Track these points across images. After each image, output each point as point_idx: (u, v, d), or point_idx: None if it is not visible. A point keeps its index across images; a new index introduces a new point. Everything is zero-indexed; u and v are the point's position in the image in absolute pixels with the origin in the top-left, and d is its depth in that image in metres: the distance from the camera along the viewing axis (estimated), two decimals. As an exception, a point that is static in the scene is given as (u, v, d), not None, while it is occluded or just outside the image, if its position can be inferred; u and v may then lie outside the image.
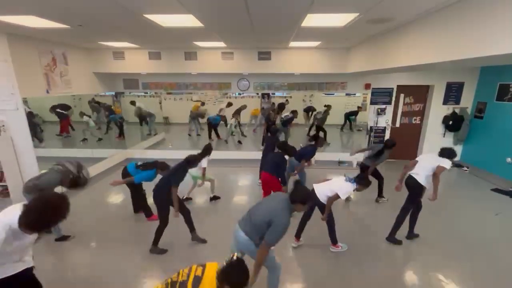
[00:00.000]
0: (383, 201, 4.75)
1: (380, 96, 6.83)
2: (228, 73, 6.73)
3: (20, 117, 4.34)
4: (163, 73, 6.97)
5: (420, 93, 6.83)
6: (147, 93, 8.43)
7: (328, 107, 8.27)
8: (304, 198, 2.20)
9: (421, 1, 2.75)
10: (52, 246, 3.50)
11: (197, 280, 1.52)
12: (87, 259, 3.28)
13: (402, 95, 6.84)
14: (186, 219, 3.47)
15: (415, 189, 3.36)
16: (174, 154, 5.65)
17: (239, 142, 8.57)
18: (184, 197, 4.69)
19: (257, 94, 8.45)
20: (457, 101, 6.65)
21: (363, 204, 4.74)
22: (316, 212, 3.34)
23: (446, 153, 3.36)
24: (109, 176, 6.00)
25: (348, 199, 4.74)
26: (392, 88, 6.77)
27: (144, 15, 3.18)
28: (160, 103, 10.07)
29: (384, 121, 6.96)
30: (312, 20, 3.41)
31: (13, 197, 4.29)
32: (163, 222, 3.26)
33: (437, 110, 6.75)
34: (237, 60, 6.37)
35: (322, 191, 3.20)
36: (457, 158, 6.74)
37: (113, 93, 7.96)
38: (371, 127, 6.99)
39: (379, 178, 4.73)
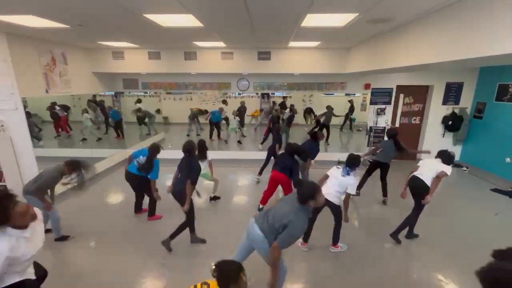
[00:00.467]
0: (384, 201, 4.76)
1: (380, 96, 6.84)
2: (228, 73, 6.73)
3: (19, 117, 4.32)
4: (163, 73, 6.97)
5: (419, 93, 6.84)
6: (146, 93, 8.44)
7: (329, 108, 8.30)
8: (312, 193, 2.16)
9: (420, 1, 2.75)
10: (52, 246, 3.49)
11: None
12: (87, 259, 3.27)
13: (401, 95, 6.85)
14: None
15: (422, 189, 3.35)
16: (174, 154, 5.64)
17: (239, 142, 8.57)
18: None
19: (257, 94, 8.47)
20: (457, 101, 6.66)
21: (363, 204, 4.74)
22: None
23: (446, 157, 3.35)
24: (109, 176, 6.00)
25: (358, 194, 4.78)
26: (392, 88, 6.78)
27: (144, 15, 3.18)
28: (159, 101, 10.09)
29: (384, 121, 6.96)
30: (312, 20, 3.41)
31: (13, 197, 4.28)
32: (192, 217, 3.35)
33: (437, 110, 6.76)
34: (236, 60, 6.37)
35: (331, 193, 3.19)
36: (456, 158, 6.83)
37: (113, 93, 7.95)
38: (370, 127, 7.00)
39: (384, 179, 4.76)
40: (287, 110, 8.69)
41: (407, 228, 3.62)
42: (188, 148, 3.26)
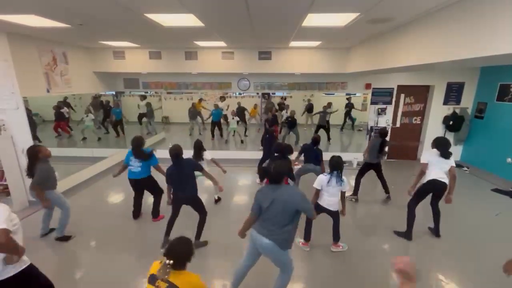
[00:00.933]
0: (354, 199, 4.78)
1: (381, 96, 6.83)
2: (229, 72, 6.73)
3: (20, 116, 4.34)
4: (164, 73, 6.98)
5: (420, 93, 6.83)
6: (147, 92, 8.45)
7: (324, 107, 8.31)
8: (285, 170, 2.29)
9: (421, 2, 2.75)
10: (52, 246, 3.50)
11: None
12: (87, 259, 3.27)
13: (402, 95, 6.84)
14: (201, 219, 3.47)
15: (444, 191, 3.43)
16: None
17: (242, 142, 8.58)
18: None
19: (257, 94, 8.46)
20: (458, 101, 6.65)
21: (363, 204, 4.74)
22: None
23: (448, 153, 3.35)
24: (110, 175, 6.00)
25: (356, 200, 4.76)
26: (393, 88, 6.78)
27: (144, 14, 3.18)
28: (160, 101, 10.09)
29: (385, 121, 6.95)
30: (313, 19, 3.41)
31: (13, 195, 4.30)
32: (206, 213, 3.44)
33: (438, 110, 6.75)
34: (237, 60, 6.37)
35: (335, 203, 3.20)
36: (457, 158, 6.82)
37: (113, 92, 7.96)
38: (371, 127, 6.99)
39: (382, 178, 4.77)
40: (283, 112, 8.69)
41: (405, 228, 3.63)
42: (175, 153, 3.15)
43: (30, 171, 3.21)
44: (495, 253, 3.37)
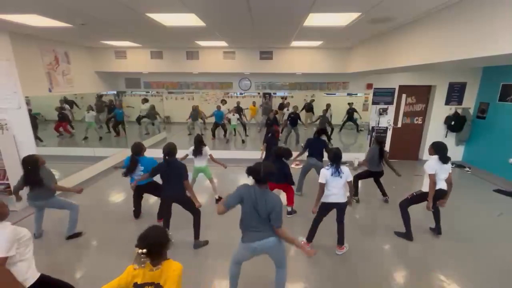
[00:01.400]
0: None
1: (382, 96, 6.82)
2: (230, 72, 6.73)
3: (22, 115, 4.36)
4: (165, 73, 6.99)
5: (422, 93, 6.81)
6: (148, 92, 8.46)
7: (324, 111, 8.30)
8: (270, 172, 2.17)
9: (422, 1, 2.74)
10: (52, 246, 3.51)
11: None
12: (87, 258, 3.28)
13: (404, 95, 6.82)
14: (196, 220, 3.45)
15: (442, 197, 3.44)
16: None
17: (243, 141, 8.58)
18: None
19: (259, 93, 8.46)
20: (460, 102, 6.63)
21: (363, 204, 4.73)
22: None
23: (446, 158, 3.32)
24: (111, 175, 6.02)
25: (357, 201, 4.75)
26: (394, 88, 6.76)
27: (146, 14, 3.19)
28: (161, 101, 10.09)
29: (386, 121, 6.94)
30: (314, 19, 3.41)
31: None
32: (199, 212, 3.41)
33: (439, 110, 6.73)
34: (238, 60, 6.37)
35: (341, 194, 3.18)
36: (459, 159, 6.80)
37: (115, 92, 7.98)
38: (372, 127, 6.98)
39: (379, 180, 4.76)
40: (285, 110, 8.68)
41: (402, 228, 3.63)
42: (167, 151, 3.19)
43: (33, 179, 3.23)
44: (496, 253, 3.36)
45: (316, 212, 3.32)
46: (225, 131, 8.87)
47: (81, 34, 4.49)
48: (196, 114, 9.03)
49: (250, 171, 2.19)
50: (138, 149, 3.79)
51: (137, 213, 4.13)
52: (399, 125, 7.01)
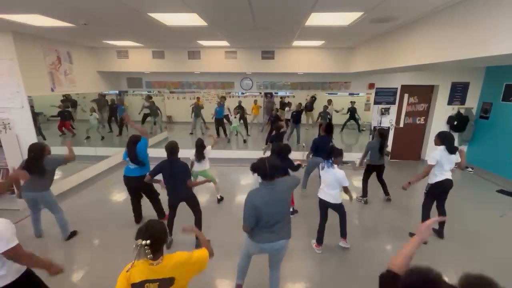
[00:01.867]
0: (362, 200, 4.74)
1: (384, 96, 6.79)
2: (232, 72, 6.73)
3: (25, 115, 4.38)
4: (167, 72, 7.00)
5: (424, 93, 6.78)
6: (150, 91, 8.48)
7: (328, 102, 8.26)
8: (277, 168, 2.13)
9: (425, 1, 2.72)
10: (53, 246, 3.52)
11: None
12: (88, 258, 3.29)
13: (406, 95, 6.79)
14: (197, 218, 3.46)
15: (450, 189, 3.44)
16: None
17: (244, 141, 8.59)
18: None
19: (260, 93, 8.46)
20: (462, 101, 6.59)
21: (367, 204, 4.71)
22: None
23: (449, 138, 3.31)
24: (112, 174, 6.04)
25: (365, 202, 4.71)
26: (396, 88, 6.73)
27: (148, 13, 3.19)
28: (163, 100, 10.13)
29: (388, 121, 6.91)
30: (316, 19, 3.40)
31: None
32: (201, 212, 3.44)
33: (442, 110, 6.69)
34: (240, 59, 6.37)
35: (331, 195, 3.21)
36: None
37: (117, 91, 8.01)
38: (374, 127, 6.95)
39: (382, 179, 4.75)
40: (286, 109, 8.67)
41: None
42: (170, 149, 3.15)
43: (34, 167, 3.11)
44: (500, 254, 3.34)
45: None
46: (225, 130, 8.88)
47: (83, 34, 4.50)
48: (198, 110, 9.04)
49: (255, 168, 2.12)
50: (135, 139, 3.63)
51: (137, 217, 3.95)
52: (401, 125, 6.98)
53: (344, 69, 6.23)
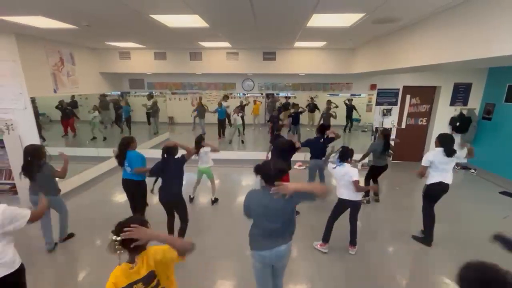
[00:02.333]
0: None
1: (386, 97, 6.77)
2: (233, 73, 6.74)
3: (28, 116, 4.41)
4: (168, 73, 7.01)
5: (426, 94, 6.75)
6: (152, 92, 8.52)
7: (328, 102, 8.24)
8: (281, 170, 1.99)
9: (427, 2, 2.71)
10: (57, 247, 3.53)
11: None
12: (89, 259, 3.30)
13: (408, 96, 6.77)
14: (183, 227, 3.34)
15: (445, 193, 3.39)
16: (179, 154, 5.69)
17: (242, 142, 8.59)
18: (191, 197, 4.70)
19: (262, 94, 8.47)
20: (465, 102, 6.56)
21: (368, 206, 4.69)
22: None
23: (452, 151, 3.28)
24: (114, 175, 6.06)
25: (368, 201, 4.70)
26: (398, 89, 6.71)
27: (150, 15, 3.20)
28: (165, 101, 10.15)
29: (390, 122, 6.89)
30: (318, 20, 3.39)
31: (21, 194, 4.36)
32: (187, 220, 3.33)
33: (444, 111, 6.66)
34: (242, 60, 6.37)
35: (348, 193, 3.20)
36: (464, 160, 6.71)
37: (119, 92, 8.04)
38: (376, 128, 6.93)
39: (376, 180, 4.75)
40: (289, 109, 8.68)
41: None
42: (166, 150, 3.15)
43: (33, 171, 3.08)
44: (503, 256, 3.31)
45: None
46: (224, 130, 8.89)
47: (85, 35, 4.53)
48: (202, 110, 9.05)
49: (259, 170, 2.00)
50: (125, 141, 3.56)
51: None
52: (403, 126, 6.96)
53: (346, 70, 6.22)
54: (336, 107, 8.63)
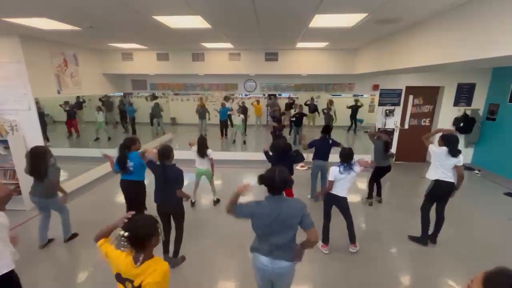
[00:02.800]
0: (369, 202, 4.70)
1: (389, 97, 6.74)
2: (235, 74, 6.75)
3: (32, 117, 4.44)
4: (171, 74, 7.04)
5: (429, 95, 6.71)
6: (154, 93, 8.56)
7: (330, 102, 8.23)
8: (286, 179, 1.87)
9: (430, 1, 2.70)
10: (56, 246, 3.54)
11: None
12: (91, 260, 3.30)
13: (411, 97, 6.73)
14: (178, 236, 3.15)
15: (451, 192, 3.35)
16: (179, 155, 5.69)
17: (244, 142, 8.60)
18: (192, 201, 4.65)
19: (264, 95, 8.47)
20: (469, 103, 6.51)
21: (370, 207, 4.67)
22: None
23: (456, 151, 3.23)
24: (116, 176, 6.07)
25: (370, 203, 4.68)
26: (401, 89, 6.68)
27: (152, 16, 3.22)
28: (167, 102, 10.19)
29: (393, 123, 6.86)
30: (320, 20, 3.39)
31: (24, 194, 4.39)
32: (182, 230, 3.15)
33: (447, 111, 6.61)
34: (244, 61, 6.38)
35: (343, 190, 3.21)
36: (468, 161, 6.67)
37: (122, 93, 8.09)
38: (379, 128, 6.90)
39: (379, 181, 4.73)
40: (291, 110, 8.68)
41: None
42: (161, 153, 2.89)
43: (39, 170, 3.10)
44: (507, 258, 3.27)
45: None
46: (226, 130, 8.90)
47: (89, 36, 4.56)
48: (204, 112, 9.08)
49: (263, 180, 1.88)
50: (128, 142, 3.46)
51: None
52: (406, 126, 6.92)
53: (348, 70, 6.20)
54: (360, 106, 8.54)
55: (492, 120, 6.19)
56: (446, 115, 6.64)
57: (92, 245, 3.49)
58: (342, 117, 8.99)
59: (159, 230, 1.46)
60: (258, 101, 10.17)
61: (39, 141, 4.48)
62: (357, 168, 3.19)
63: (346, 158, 3.21)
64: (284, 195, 1.94)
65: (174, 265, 3.07)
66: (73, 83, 5.38)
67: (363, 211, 4.50)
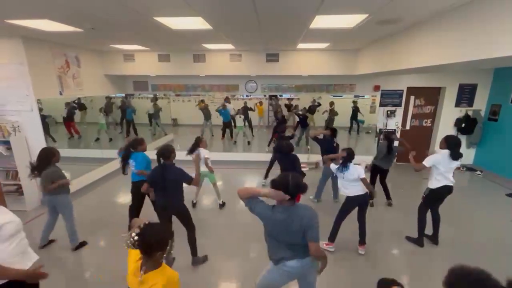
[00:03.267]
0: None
1: (390, 98, 6.73)
2: (236, 75, 6.77)
3: (34, 118, 4.47)
4: (172, 75, 7.06)
5: (431, 95, 6.69)
6: (156, 94, 8.60)
7: (330, 104, 8.24)
8: (300, 184, 1.86)
9: (431, 2, 2.70)
10: (60, 248, 3.55)
11: None
12: (93, 260, 3.31)
13: (412, 97, 6.72)
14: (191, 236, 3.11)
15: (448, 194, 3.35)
16: (181, 156, 5.70)
17: (248, 143, 8.60)
18: (194, 202, 4.66)
19: (265, 96, 8.48)
20: (470, 103, 6.49)
21: (372, 208, 4.65)
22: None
23: (458, 154, 3.21)
24: (117, 177, 6.10)
25: (371, 205, 4.63)
26: (402, 90, 6.66)
27: (154, 17, 3.24)
28: (169, 103, 10.22)
29: (394, 124, 6.84)
30: (321, 21, 3.40)
31: (26, 195, 4.41)
32: (194, 227, 3.10)
33: (449, 112, 6.60)
34: (245, 62, 6.40)
35: (355, 188, 3.23)
36: (470, 162, 6.64)
37: (123, 94, 8.13)
38: (380, 129, 6.89)
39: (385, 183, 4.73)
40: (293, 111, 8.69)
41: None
42: (160, 153, 2.82)
43: (38, 170, 3.11)
44: (510, 259, 3.26)
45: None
46: (231, 131, 8.91)
47: (90, 38, 4.58)
48: (207, 112, 9.10)
49: (276, 185, 1.83)
50: (133, 142, 3.57)
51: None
52: (408, 127, 6.90)
53: (349, 71, 6.20)
54: (354, 106, 8.55)
55: (494, 120, 6.16)
56: (448, 116, 6.62)
57: (93, 245, 3.51)
58: (342, 118, 8.99)
59: (169, 246, 1.45)
60: (261, 102, 10.22)
61: (41, 142, 4.51)
62: (357, 169, 3.20)
63: (348, 158, 3.27)
64: (296, 201, 1.88)
65: (196, 263, 3.13)
66: (75, 84, 5.41)
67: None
